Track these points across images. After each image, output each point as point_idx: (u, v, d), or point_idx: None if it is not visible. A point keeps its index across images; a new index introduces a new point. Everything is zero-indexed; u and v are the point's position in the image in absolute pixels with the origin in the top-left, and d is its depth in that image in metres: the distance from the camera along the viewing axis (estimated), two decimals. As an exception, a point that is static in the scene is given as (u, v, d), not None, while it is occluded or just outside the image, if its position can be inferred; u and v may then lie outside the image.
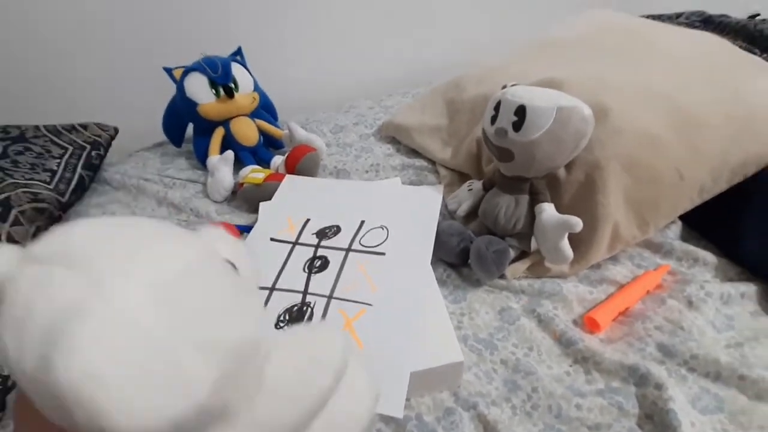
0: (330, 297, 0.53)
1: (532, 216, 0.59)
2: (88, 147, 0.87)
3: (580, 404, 0.46)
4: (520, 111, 0.53)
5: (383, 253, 0.58)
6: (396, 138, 0.93)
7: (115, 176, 0.87)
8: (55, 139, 0.86)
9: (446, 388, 0.48)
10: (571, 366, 0.50)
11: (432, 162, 0.85)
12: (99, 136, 0.91)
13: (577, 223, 0.52)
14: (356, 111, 1.11)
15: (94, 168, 0.86)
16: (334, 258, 0.58)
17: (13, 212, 0.66)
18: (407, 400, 0.46)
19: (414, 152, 0.89)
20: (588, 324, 0.53)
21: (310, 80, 1.29)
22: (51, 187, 0.75)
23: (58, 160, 0.81)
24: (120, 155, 0.98)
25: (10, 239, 0.63)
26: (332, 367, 0.23)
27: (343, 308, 0.51)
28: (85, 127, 0.92)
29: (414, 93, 1.13)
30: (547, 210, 0.56)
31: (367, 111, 1.11)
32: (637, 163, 0.58)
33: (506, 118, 0.55)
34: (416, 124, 0.88)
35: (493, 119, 0.57)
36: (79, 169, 0.82)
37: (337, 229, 0.63)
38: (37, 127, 0.87)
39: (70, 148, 0.85)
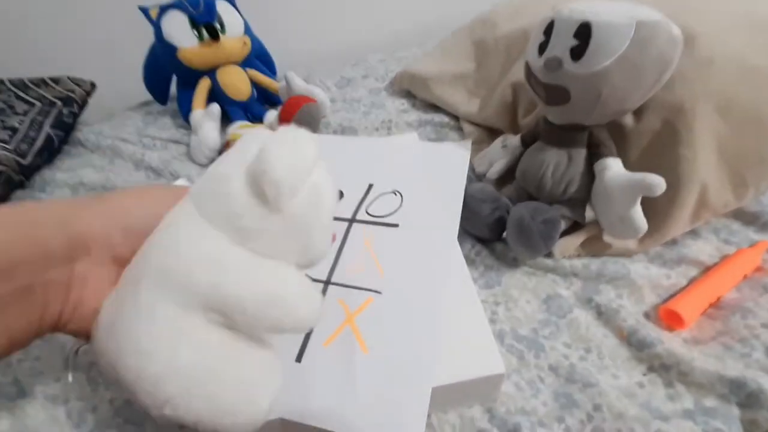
0: (327, 282, 0.41)
1: (589, 176, 0.45)
2: (59, 103, 0.76)
3: (662, 431, 0.34)
4: (583, 31, 0.39)
5: (396, 225, 0.46)
6: (411, 92, 0.80)
7: (90, 136, 0.76)
8: (21, 93, 0.75)
9: (479, 403, 0.36)
10: (645, 375, 0.37)
11: (455, 117, 0.71)
12: (72, 92, 0.79)
13: (658, 182, 0.38)
14: (365, 64, 0.97)
15: (65, 127, 0.75)
16: (335, 230, 0.46)
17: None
18: (427, 416, 0.35)
19: (433, 107, 0.76)
20: (666, 318, 0.40)
21: (313, 30, 1.14)
22: (10, 147, 0.64)
23: (22, 117, 0.70)
24: (101, 115, 0.87)
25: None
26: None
27: (343, 297, 0.39)
28: (56, 81, 0.80)
29: (433, 45, 0.97)
30: (613, 167, 0.43)
31: (378, 63, 0.97)
32: (735, 104, 0.43)
33: (562, 44, 0.41)
34: (436, 72, 0.74)
35: (542, 47, 0.43)
36: (46, 128, 0.71)
37: (338, 195, 0.51)
38: (0, 81, 0.76)
39: (38, 105, 0.74)
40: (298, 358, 0.36)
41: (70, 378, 0.38)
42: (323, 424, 0.31)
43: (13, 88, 0.76)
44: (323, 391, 0.33)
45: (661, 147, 0.45)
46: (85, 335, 0.22)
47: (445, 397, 0.34)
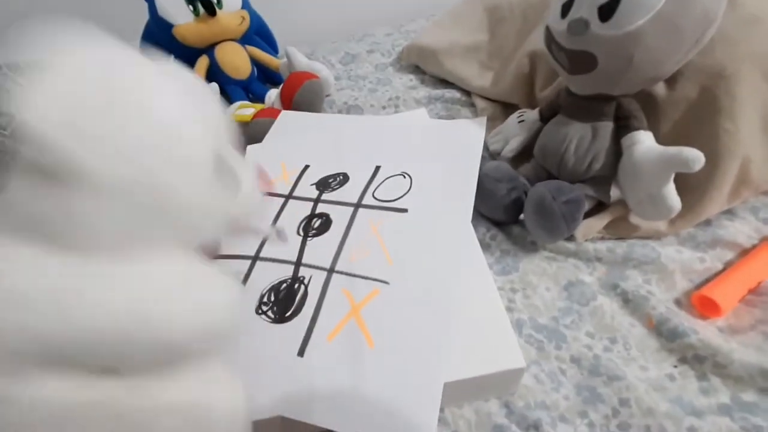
0: (331, 270, 0.39)
1: (615, 152, 0.41)
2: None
3: (695, 427, 0.31)
4: (613, -13, 0.35)
5: (404, 210, 0.43)
6: (420, 66, 0.75)
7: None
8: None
9: (496, 396, 0.34)
10: (676, 367, 0.35)
11: (466, 92, 0.67)
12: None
13: (696, 157, 0.34)
14: (371, 39, 0.92)
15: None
16: (339, 216, 0.44)
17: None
18: (440, 411, 0.32)
19: (443, 82, 0.72)
20: (700, 306, 0.37)
21: (315, 4, 1.08)
22: None
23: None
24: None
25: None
26: None
27: (347, 287, 0.37)
28: (51, 64, 0.78)
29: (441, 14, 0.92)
30: (644, 141, 0.39)
31: (384, 38, 0.92)
32: (784, 69, 0.39)
33: (589, 2, 0.36)
34: (446, 44, 0.69)
35: (566, 8, 0.39)
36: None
37: (343, 178, 0.48)
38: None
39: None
40: (300, 353, 0.34)
41: None
42: (326, 424, 0.29)
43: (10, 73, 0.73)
44: (327, 387, 0.31)
45: (697, 118, 0.41)
46: None
47: (459, 392, 0.32)
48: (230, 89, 0.70)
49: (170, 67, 0.19)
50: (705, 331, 0.35)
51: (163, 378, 0.17)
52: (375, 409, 0.30)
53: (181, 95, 0.18)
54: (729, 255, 0.41)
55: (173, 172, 0.16)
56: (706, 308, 0.37)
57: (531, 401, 0.34)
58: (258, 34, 0.79)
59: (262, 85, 0.74)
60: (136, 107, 0.16)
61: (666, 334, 0.36)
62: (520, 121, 0.51)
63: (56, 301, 0.15)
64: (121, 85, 0.16)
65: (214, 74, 0.71)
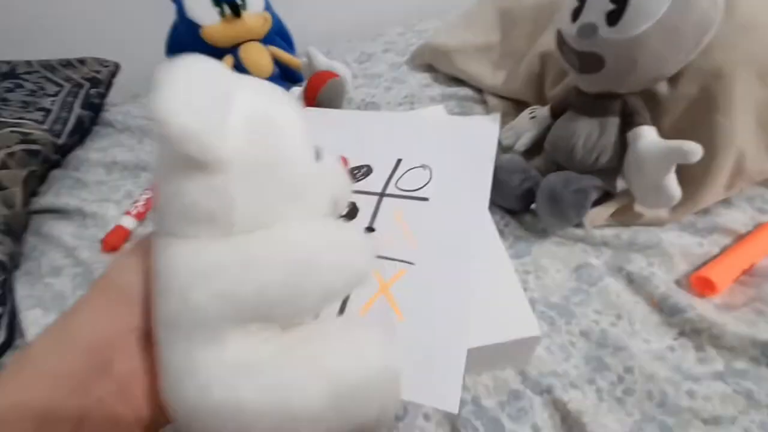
0: (361, 252, 0.42)
1: (621, 145, 0.45)
2: (87, 84, 0.78)
3: (693, 391, 0.35)
4: (621, -6, 0.38)
5: (426, 198, 0.46)
6: (434, 65, 0.79)
7: (118, 117, 0.78)
8: (50, 75, 0.76)
9: (511, 366, 0.38)
10: (675, 340, 0.38)
11: (478, 90, 0.71)
12: (98, 72, 0.81)
13: (694, 149, 0.38)
14: (385, 38, 0.96)
15: (94, 108, 0.77)
16: (365, 205, 0.47)
17: (0, 154, 0.57)
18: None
19: (456, 80, 0.75)
20: (698, 285, 0.40)
21: (330, 5, 1.12)
22: (45, 127, 0.66)
23: (53, 98, 0.72)
24: (124, 97, 0.88)
25: (-2, 186, 0.55)
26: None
27: (377, 268, 0.40)
28: (82, 62, 0.82)
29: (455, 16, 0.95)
30: (648, 135, 0.42)
31: (398, 37, 0.95)
32: (777, 70, 0.42)
33: (597, 8, 0.40)
34: (459, 44, 0.73)
35: (576, 13, 0.42)
36: (76, 109, 0.73)
37: (367, 170, 0.51)
38: (29, 62, 0.77)
39: (67, 86, 0.76)
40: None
41: None
42: None
43: (42, 70, 0.77)
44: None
45: (697, 114, 0.44)
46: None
47: (480, 360, 0.35)
48: (254, 87, 0.74)
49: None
50: (702, 308, 0.39)
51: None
52: (406, 373, 0.33)
53: (275, 91, 0.21)
54: (726, 240, 0.44)
55: (291, 152, 0.20)
56: (704, 287, 0.40)
57: (544, 370, 0.37)
58: (277, 34, 0.82)
59: (283, 83, 0.78)
60: (246, 100, 0.19)
61: (667, 311, 0.40)
62: (531, 117, 0.55)
63: (245, 266, 0.18)
64: (228, 80, 0.19)
65: (238, 73, 0.74)
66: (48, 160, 0.65)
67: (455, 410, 0.30)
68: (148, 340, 0.19)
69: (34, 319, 0.45)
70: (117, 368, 0.18)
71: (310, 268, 0.19)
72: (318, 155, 0.23)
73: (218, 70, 0.18)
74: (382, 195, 0.48)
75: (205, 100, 0.17)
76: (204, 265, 0.18)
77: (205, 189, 0.18)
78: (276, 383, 0.18)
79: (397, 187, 0.48)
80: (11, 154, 0.58)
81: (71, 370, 0.17)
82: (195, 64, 0.18)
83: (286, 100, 0.21)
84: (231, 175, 0.18)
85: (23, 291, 0.49)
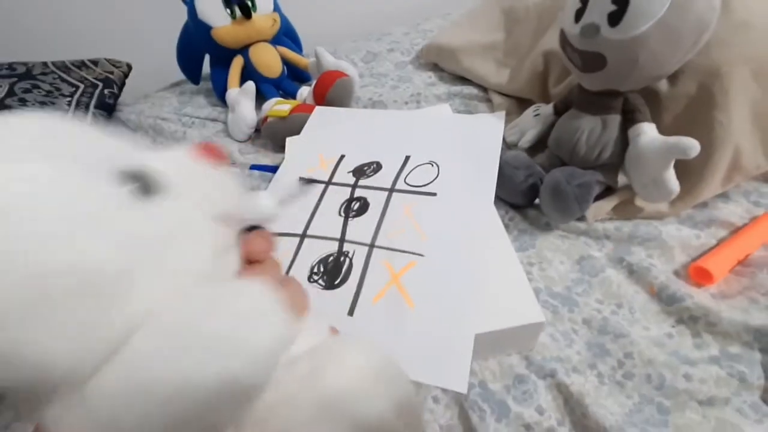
0: (372, 245, 0.44)
1: (622, 141, 0.46)
2: (100, 85, 0.80)
3: (689, 374, 0.37)
4: (621, -4, 0.40)
5: (434, 194, 0.48)
6: (439, 64, 0.80)
7: (131, 116, 0.80)
8: (65, 75, 0.78)
9: (516, 351, 0.40)
10: (673, 327, 0.40)
11: (483, 89, 0.72)
12: (111, 73, 0.83)
13: (692, 145, 0.40)
14: (390, 38, 0.97)
15: (108, 108, 0.79)
16: (375, 200, 0.49)
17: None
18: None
19: (461, 79, 0.77)
20: (695, 275, 0.42)
21: (335, 5, 1.14)
22: (63, 128, 0.68)
23: (69, 99, 0.74)
24: (135, 97, 0.90)
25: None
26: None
27: (387, 259, 0.42)
28: (95, 62, 0.84)
29: (459, 15, 0.97)
30: (648, 132, 0.44)
31: (403, 37, 0.97)
32: (771, 69, 0.44)
33: (599, 9, 0.41)
34: (464, 43, 0.74)
35: (579, 14, 0.44)
36: (92, 109, 0.75)
37: (377, 166, 0.53)
38: (44, 64, 0.79)
39: (81, 86, 0.78)
40: (350, 313, 0.39)
41: None
42: None
43: (56, 71, 0.80)
44: (375, 340, 0.37)
45: (695, 111, 0.46)
46: None
47: (486, 345, 0.37)
48: (263, 87, 0.76)
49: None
50: (699, 296, 0.40)
51: None
52: (418, 357, 0.35)
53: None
54: (723, 233, 0.46)
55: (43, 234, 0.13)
56: (701, 277, 0.42)
57: (547, 355, 0.39)
58: (286, 35, 0.84)
59: (291, 82, 0.80)
60: None
61: (665, 299, 0.41)
62: (535, 115, 0.57)
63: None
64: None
65: (248, 73, 0.76)
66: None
67: (464, 390, 0.32)
68: None
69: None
70: None
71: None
72: (138, 180, 0.15)
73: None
74: (391, 190, 0.50)
75: None
76: (82, 420, 0.14)
77: None
78: None
79: (406, 183, 0.50)
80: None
81: None
82: None
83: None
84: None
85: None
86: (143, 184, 0.15)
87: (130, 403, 0.13)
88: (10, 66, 0.75)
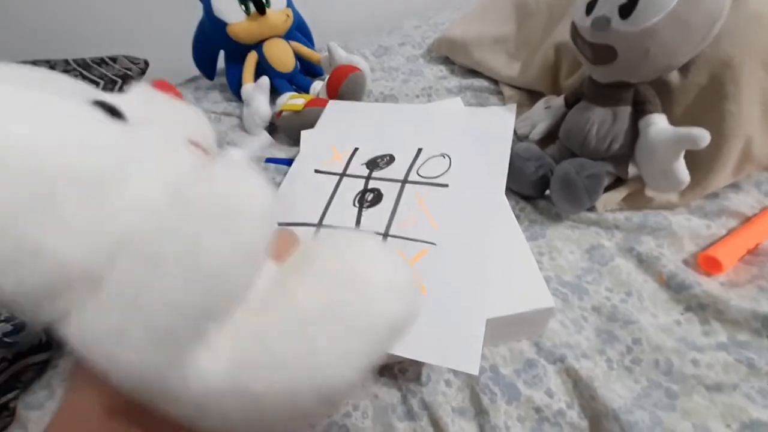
0: (385, 235, 0.46)
1: (632, 133, 0.47)
2: (120, 81, 0.82)
3: (697, 360, 0.37)
4: (633, -11, 0.40)
5: (446, 185, 0.49)
6: (450, 58, 0.81)
7: (149, 112, 0.82)
8: (86, 73, 0.81)
9: (526, 338, 0.41)
10: (682, 314, 0.41)
11: (494, 81, 0.73)
12: (129, 69, 0.85)
13: (703, 135, 0.40)
14: (401, 31, 0.98)
15: (127, 104, 0.81)
16: (389, 191, 0.50)
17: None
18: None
19: (472, 72, 0.77)
20: (704, 264, 0.43)
21: (346, 1, 1.14)
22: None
23: (90, 95, 0.76)
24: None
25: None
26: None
27: (401, 248, 0.44)
28: (114, 59, 0.86)
29: (470, 8, 0.97)
30: (658, 122, 0.44)
31: (413, 30, 0.98)
32: (783, 59, 0.44)
33: (610, 2, 0.42)
34: (475, 36, 0.75)
35: (590, 7, 0.44)
36: (112, 105, 0.77)
37: (390, 159, 0.55)
38: (66, 61, 0.82)
39: (102, 83, 0.80)
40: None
41: None
42: (391, 349, 0.36)
43: (78, 68, 0.82)
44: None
45: (706, 103, 0.46)
46: None
47: (497, 331, 0.39)
48: (277, 82, 0.77)
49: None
50: (708, 285, 0.41)
51: None
52: (430, 339, 0.36)
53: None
54: (733, 223, 0.46)
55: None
56: (710, 266, 0.43)
57: (557, 341, 0.40)
58: (298, 30, 0.86)
59: (304, 77, 0.81)
60: None
61: (674, 288, 0.42)
62: (546, 107, 0.57)
63: (133, 296, 0.15)
64: None
65: (262, 68, 0.78)
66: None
67: (476, 372, 0.33)
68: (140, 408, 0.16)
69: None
70: None
71: (183, 240, 0.14)
72: (116, 112, 0.17)
73: None
74: (404, 182, 0.51)
75: None
76: (101, 332, 0.14)
77: (6, 263, 0.13)
78: (281, 348, 0.15)
79: (419, 175, 0.52)
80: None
81: None
82: None
83: None
84: (7, 223, 0.13)
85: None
86: (115, 111, 0.17)
87: (149, 292, 0.14)
88: (34, 63, 0.78)
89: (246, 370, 0.15)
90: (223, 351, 0.15)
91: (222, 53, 0.84)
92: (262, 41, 0.77)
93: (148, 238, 0.14)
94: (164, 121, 0.19)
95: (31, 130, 0.13)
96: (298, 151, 0.60)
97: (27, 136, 0.13)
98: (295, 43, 0.80)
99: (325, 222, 0.48)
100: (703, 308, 0.40)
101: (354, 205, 0.50)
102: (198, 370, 0.14)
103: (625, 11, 0.41)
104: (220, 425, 0.15)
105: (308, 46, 0.84)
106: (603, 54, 0.44)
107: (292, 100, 0.67)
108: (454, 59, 0.79)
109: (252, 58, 0.77)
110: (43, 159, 0.13)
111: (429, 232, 0.45)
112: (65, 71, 0.79)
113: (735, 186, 0.49)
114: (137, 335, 0.14)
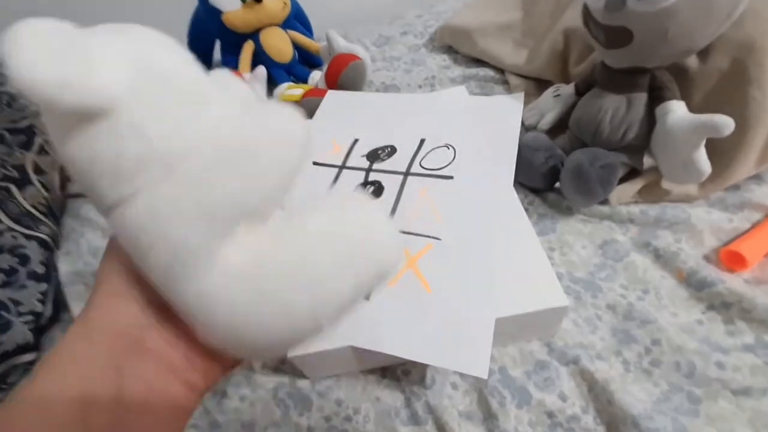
0: (387, 228, 0.43)
1: (648, 121, 0.44)
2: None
3: (721, 362, 0.35)
4: (651, -35, 0.37)
5: (450, 177, 0.47)
6: (454, 47, 0.78)
7: (144, 104, 0.80)
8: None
9: (537, 338, 0.38)
10: (704, 313, 0.38)
11: (499, 70, 0.70)
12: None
13: (726, 122, 0.37)
14: (402, 21, 0.95)
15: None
16: (390, 183, 0.48)
17: (38, 140, 0.60)
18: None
19: (476, 61, 0.74)
20: (727, 260, 0.40)
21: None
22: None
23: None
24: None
25: (37, 170, 0.58)
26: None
27: (404, 243, 0.41)
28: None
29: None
30: (677, 110, 0.42)
31: (415, 19, 0.95)
32: (812, 41, 0.41)
33: (626, -20, 0.39)
34: (479, 24, 0.72)
35: (604, -14, 0.41)
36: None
37: (391, 150, 0.52)
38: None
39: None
40: (367, 297, 0.38)
41: None
42: (393, 351, 0.34)
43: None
44: (393, 323, 0.35)
45: (728, 88, 0.43)
46: None
47: (507, 331, 0.36)
48: (275, 72, 0.75)
49: None
50: (732, 282, 0.39)
51: None
52: (436, 341, 0.34)
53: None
54: (756, 216, 0.44)
55: (177, 63, 0.19)
56: (733, 262, 0.40)
57: (570, 342, 0.38)
58: (296, 19, 0.83)
59: (302, 67, 0.78)
60: (107, 35, 0.17)
61: (695, 285, 0.40)
62: (555, 96, 0.55)
63: (197, 181, 0.17)
64: (75, 30, 0.16)
65: (259, 58, 0.75)
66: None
67: (485, 375, 0.31)
68: (168, 310, 0.19)
69: (77, 295, 0.48)
70: (150, 344, 0.19)
71: (247, 148, 0.18)
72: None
73: (63, 24, 0.16)
74: (406, 174, 0.49)
75: (60, 44, 0.15)
76: (163, 209, 0.17)
77: (114, 136, 0.16)
78: (296, 259, 0.18)
79: (422, 166, 0.49)
80: (48, 141, 0.61)
81: (102, 353, 0.18)
82: (37, 23, 0.15)
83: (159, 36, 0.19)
84: (128, 107, 0.16)
85: (65, 269, 0.51)
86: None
87: (211, 181, 0.17)
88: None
89: (262, 268, 0.17)
90: (248, 250, 0.18)
91: (218, 43, 0.81)
92: (258, 30, 0.75)
93: (224, 139, 0.17)
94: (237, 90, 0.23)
95: (176, 57, 0.18)
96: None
97: (175, 61, 0.18)
98: (293, 32, 0.78)
99: (323, 216, 0.46)
100: (726, 307, 0.38)
101: (354, 198, 0.47)
102: (225, 258, 0.17)
103: (643, -11, 0.38)
104: (222, 320, 0.17)
105: (307, 36, 0.81)
106: (617, 37, 0.41)
107: (289, 91, 0.64)
108: (458, 48, 0.76)
109: (248, 47, 0.75)
110: (176, 74, 0.18)
111: (433, 226, 0.42)
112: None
113: (758, 177, 0.46)
114: (191, 212, 0.17)
